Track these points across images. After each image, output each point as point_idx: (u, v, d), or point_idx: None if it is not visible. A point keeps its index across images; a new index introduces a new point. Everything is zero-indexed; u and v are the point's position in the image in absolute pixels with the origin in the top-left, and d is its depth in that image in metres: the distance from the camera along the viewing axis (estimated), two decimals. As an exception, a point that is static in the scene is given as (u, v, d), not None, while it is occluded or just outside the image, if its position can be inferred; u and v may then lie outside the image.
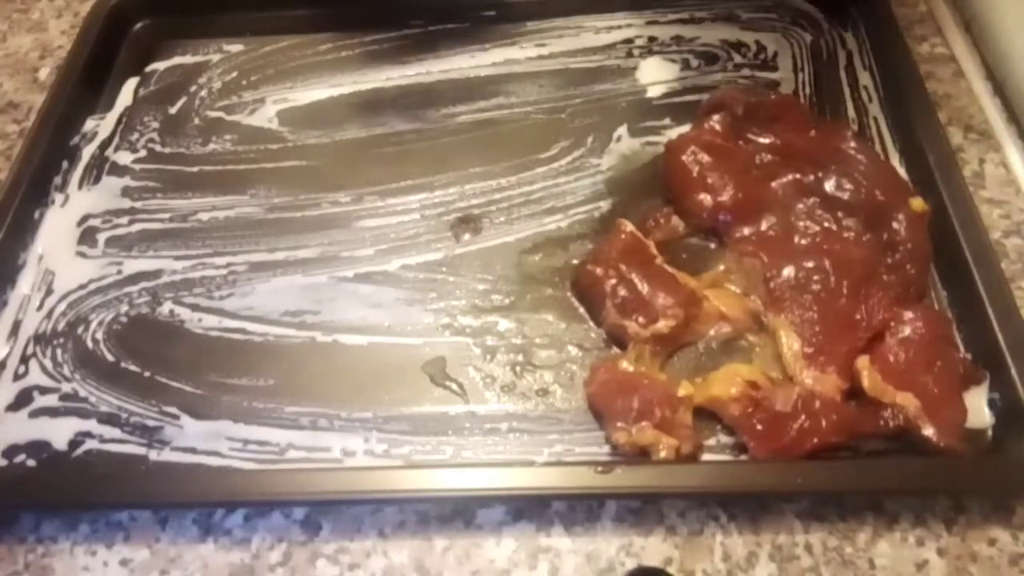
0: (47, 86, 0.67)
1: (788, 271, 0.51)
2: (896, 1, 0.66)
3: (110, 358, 0.52)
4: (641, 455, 0.45)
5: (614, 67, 0.65)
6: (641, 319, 0.49)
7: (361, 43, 0.68)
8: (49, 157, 0.61)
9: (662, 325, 0.48)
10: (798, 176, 0.54)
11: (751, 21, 0.67)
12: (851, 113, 0.61)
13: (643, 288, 0.50)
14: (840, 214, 0.52)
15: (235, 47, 0.69)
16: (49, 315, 0.54)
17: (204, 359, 0.52)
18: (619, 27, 0.67)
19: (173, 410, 0.50)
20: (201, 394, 0.50)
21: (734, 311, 0.50)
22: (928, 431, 0.44)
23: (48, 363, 0.52)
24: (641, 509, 0.45)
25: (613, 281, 0.50)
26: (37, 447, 0.49)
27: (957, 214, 0.52)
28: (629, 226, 0.52)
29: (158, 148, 0.63)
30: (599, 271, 0.51)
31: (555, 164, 0.60)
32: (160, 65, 0.69)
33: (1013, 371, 0.46)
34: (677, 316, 0.49)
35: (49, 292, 0.55)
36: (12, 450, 0.49)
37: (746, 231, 0.53)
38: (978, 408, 0.46)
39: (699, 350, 0.50)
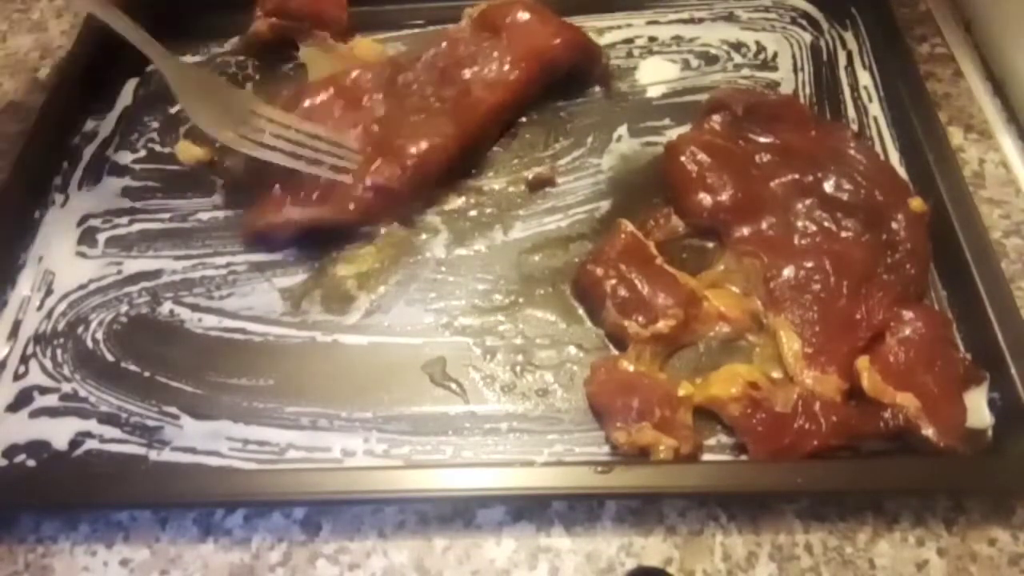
0: (47, 86, 0.67)
1: (788, 271, 0.51)
2: (896, 1, 0.66)
3: (110, 358, 0.52)
4: (641, 455, 0.45)
5: (614, 67, 0.65)
6: (641, 319, 0.49)
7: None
8: (49, 157, 0.61)
9: (662, 325, 0.48)
10: (798, 176, 0.54)
11: (751, 21, 0.67)
12: (851, 113, 0.61)
13: (643, 288, 0.50)
14: (840, 214, 0.52)
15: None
16: (49, 315, 0.54)
17: (204, 359, 0.52)
18: (619, 27, 0.67)
19: (173, 410, 0.50)
20: (201, 394, 0.50)
21: (734, 311, 0.50)
22: (928, 431, 0.44)
23: (48, 363, 0.52)
24: (641, 509, 0.45)
25: (613, 281, 0.50)
26: (37, 447, 0.49)
27: (957, 214, 0.52)
28: (629, 226, 0.52)
29: (158, 148, 0.63)
30: (599, 271, 0.51)
31: (555, 164, 0.60)
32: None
33: (1013, 371, 0.46)
34: (677, 316, 0.49)
35: (49, 292, 0.55)
36: (12, 450, 0.49)
37: (746, 231, 0.53)
38: (978, 408, 0.46)
39: (699, 350, 0.50)
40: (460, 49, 0.61)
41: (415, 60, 0.61)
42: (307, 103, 0.58)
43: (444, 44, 0.61)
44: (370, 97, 0.59)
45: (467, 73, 0.59)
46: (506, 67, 0.59)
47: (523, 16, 0.61)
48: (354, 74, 0.60)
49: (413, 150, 0.55)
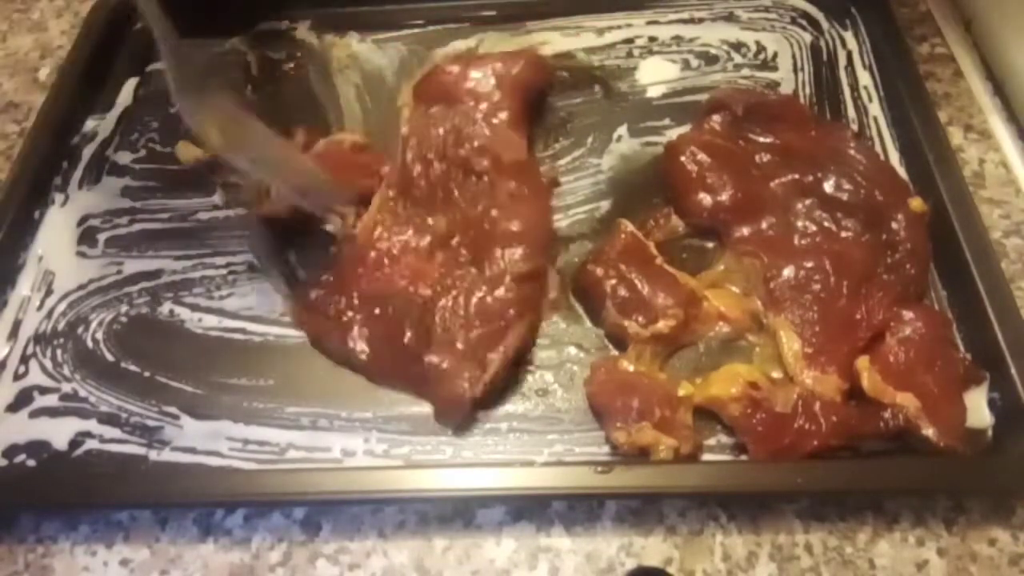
0: (47, 86, 0.67)
1: (788, 271, 0.51)
2: (896, 1, 0.66)
3: (110, 358, 0.52)
4: (641, 455, 0.45)
5: (614, 67, 0.65)
6: (641, 319, 0.49)
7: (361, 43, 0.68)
8: (49, 157, 0.61)
9: (662, 325, 0.48)
10: (798, 176, 0.54)
11: (751, 21, 0.67)
12: (851, 113, 0.61)
13: (643, 288, 0.50)
14: (840, 214, 0.52)
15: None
16: (49, 315, 0.54)
17: (204, 359, 0.52)
18: (619, 27, 0.67)
19: (173, 410, 0.50)
20: (201, 394, 0.50)
21: (734, 311, 0.50)
22: (928, 431, 0.44)
23: (48, 363, 0.52)
24: (641, 509, 0.45)
25: (613, 281, 0.50)
26: (37, 447, 0.49)
27: (957, 214, 0.52)
28: (629, 226, 0.52)
29: (158, 148, 0.63)
30: (599, 271, 0.51)
31: (555, 164, 0.60)
32: (160, 65, 0.68)
33: (1013, 371, 0.46)
34: (677, 316, 0.49)
35: (49, 292, 0.55)
36: (12, 450, 0.49)
37: (746, 231, 0.53)
38: (978, 408, 0.46)
39: (699, 350, 0.50)
40: (432, 132, 0.56)
41: (404, 168, 0.56)
42: (364, 263, 0.52)
43: (413, 140, 0.56)
44: (426, 218, 0.54)
45: (468, 147, 0.55)
46: (495, 120, 0.56)
47: (472, 71, 0.59)
48: (385, 221, 0.54)
49: (522, 230, 0.52)
